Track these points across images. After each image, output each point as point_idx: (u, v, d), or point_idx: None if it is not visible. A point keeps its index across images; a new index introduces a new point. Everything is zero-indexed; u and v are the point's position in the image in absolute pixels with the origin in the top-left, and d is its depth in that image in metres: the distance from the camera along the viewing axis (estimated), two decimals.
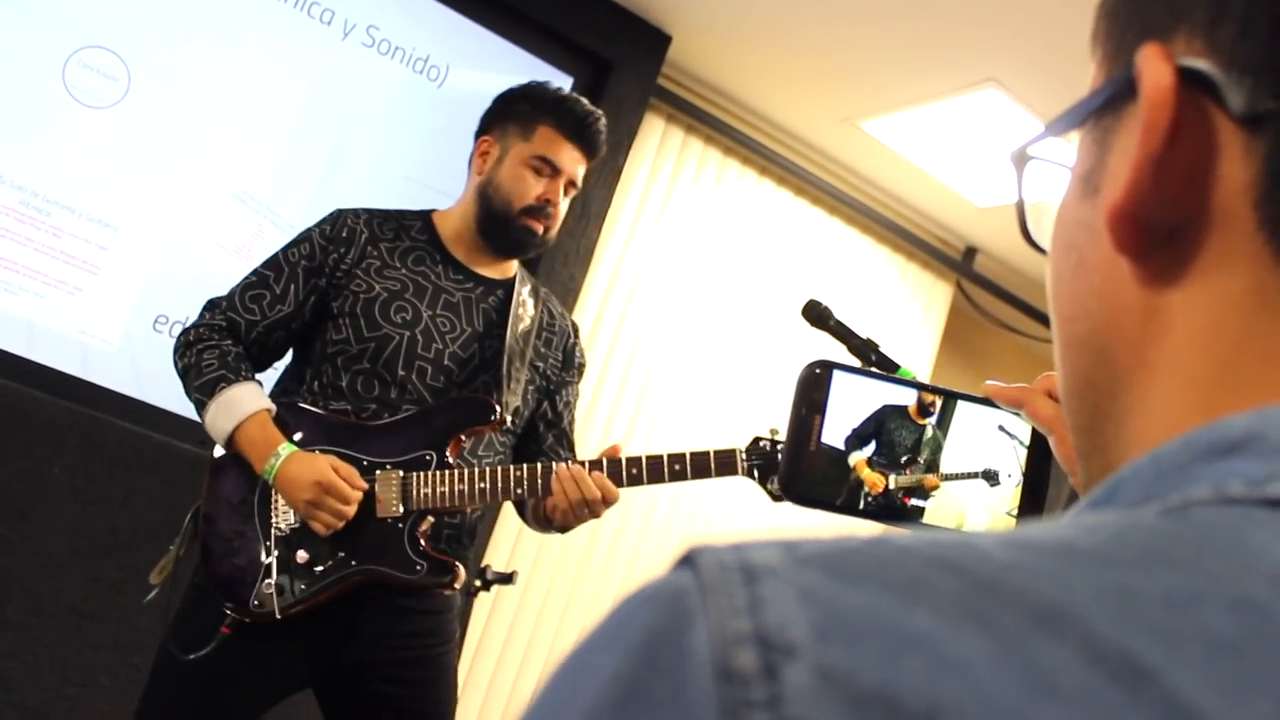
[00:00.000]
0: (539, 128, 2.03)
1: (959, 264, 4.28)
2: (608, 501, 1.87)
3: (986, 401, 0.70)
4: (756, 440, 1.89)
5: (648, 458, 1.88)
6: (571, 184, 2.06)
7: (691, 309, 3.77)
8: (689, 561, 0.28)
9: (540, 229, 2.02)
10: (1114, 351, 0.39)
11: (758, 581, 0.26)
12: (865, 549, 0.27)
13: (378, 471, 1.87)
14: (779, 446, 1.88)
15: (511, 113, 2.06)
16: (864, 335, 1.80)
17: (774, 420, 1.91)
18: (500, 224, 2.02)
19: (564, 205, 2.06)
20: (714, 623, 0.26)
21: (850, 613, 0.25)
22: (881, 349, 1.79)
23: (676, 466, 1.86)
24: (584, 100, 2.07)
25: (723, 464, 1.87)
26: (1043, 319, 4.40)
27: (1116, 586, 0.26)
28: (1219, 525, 0.28)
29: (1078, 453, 0.44)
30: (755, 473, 1.88)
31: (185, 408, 1.94)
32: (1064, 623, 0.25)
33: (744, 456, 1.87)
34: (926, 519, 0.72)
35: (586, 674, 0.27)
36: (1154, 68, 0.35)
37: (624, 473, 1.87)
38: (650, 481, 1.87)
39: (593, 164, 2.10)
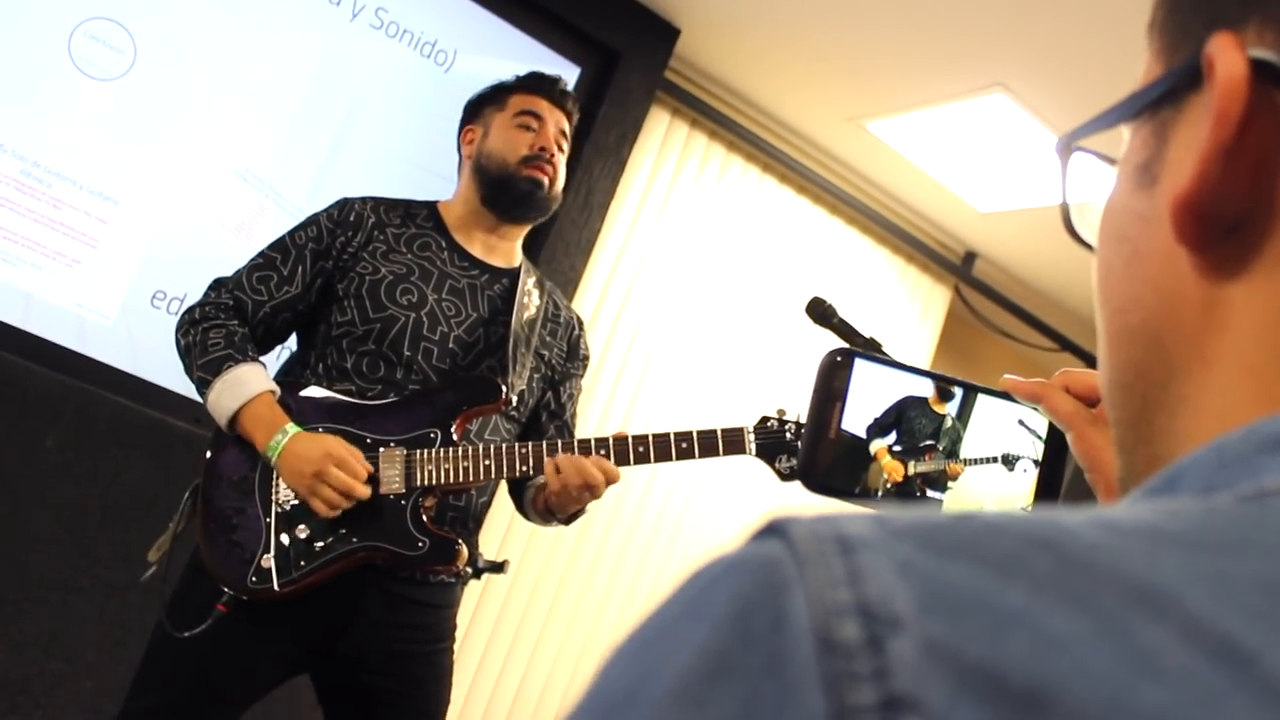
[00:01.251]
0: (510, 97, 2.12)
1: (958, 268, 4.28)
2: (609, 481, 1.85)
3: (1005, 395, 0.70)
4: (764, 419, 1.88)
5: (654, 436, 1.86)
6: (561, 134, 2.11)
7: (690, 303, 3.77)
8: (776, 531, 0.27)
9: (543, 177, 2.05)
10: (1168, 343, 0.38)
11: (855, 553, 0.26)
12: (956, 524, 0.27)
13: (381, 449, 1.86)
14: (786, 426, 1.88)
15: (483, 103, 2.15)
16: (867, 334, 1.80)
17: (771, 414, 1.91)
18: (504, 184, 2.04)
19: (562, 162, 2.11)
20: (813, 593, 0.25)
21: (950, 586, 0.25)
22: (884, 349, 1.79)
23: (684, 445, 1.85)
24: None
25: (730, 443, 1.86)
26: (1039, 327, 4.41)
27: (1209, 570, 0.25)
28: None
29: (1119, 446, 0.43)
30: (763, 452, 1.86)
31: (181, 385, 1.94)
32: (1161, 603, 0.24)
33: (752, 435, 1.86)
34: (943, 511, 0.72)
35: (670, 645, 0.26)
36: (1228, 57, 0.34)
37: (630, 451, 1.86)
38: (657, 460, 1.86)
39: (573, 124, 2.16)
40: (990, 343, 4.75)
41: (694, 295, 3.78)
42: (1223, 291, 0.36)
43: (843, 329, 1.81)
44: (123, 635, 2.66)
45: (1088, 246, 0.46)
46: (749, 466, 1.91)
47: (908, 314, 4.23)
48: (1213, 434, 0.34)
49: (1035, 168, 3.41)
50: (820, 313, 1.82)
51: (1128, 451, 0.42)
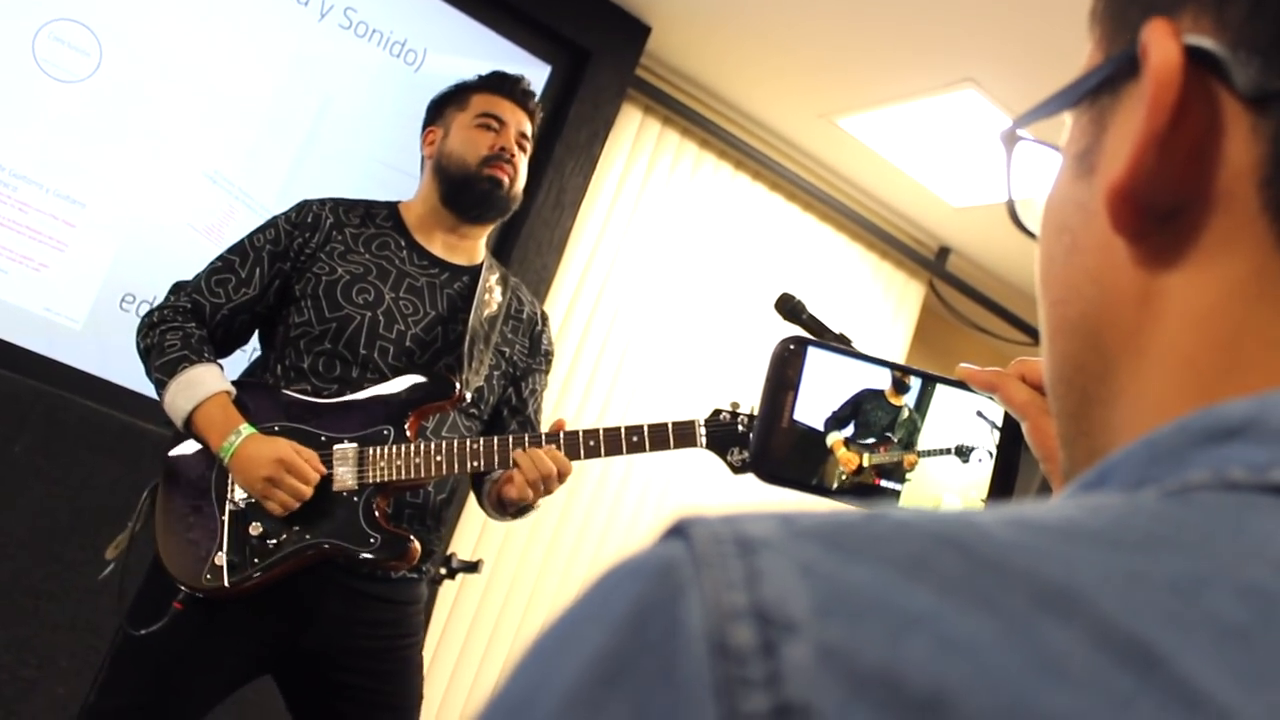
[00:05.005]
0: (472, 97, 2.12)
1: (932, 263, 4.29)
2: (562, 476, 1.86)
3: (961, 385, 0.70)
4: (716, 412, 1.87)
5: (605, 430, 1.86)
6: (522, 136, 2.11)
7: (665, 300, 3.76)
8: (679, 532, 0.27)
9: (503, 177, 2.05)
10: (1106, 335, 0.38)
11: (754, 554, 0.25)
12: (864, 523, 0.26)
13: (335, 447, 1.87)
14: (739, 418, 1.87)
15: (445, 102, 2.15)
16: (837, 331, 1.80)
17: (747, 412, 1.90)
18: (464, 185, 2.04)
19: (523, 163, 2.10)
20: (709, 596, 0.24)
21: (851, 588, 0.24)
22: (854, 345, 1.79)
23: (634, 438, 1.85)
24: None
25: (681, 435, 1.85)
26: (1013, 321, 4.42)
27: (1123, 569, 0.25)
28: (1222, 510, 0.27)
29: (1061, 439, 0.43)
30: (714, 443, 1.85)
31: (150, 388, 1.94)
32: (1071, 604, 0.24)
33: (703, 428, 1.85)
34: (901, 502, 0.72)
35: (569, 648, 0.26)
36: (1161, 44, 0.34)
37: (581, 445, 1.86)
38: (608, 453, 1.86)
39: (535, 125, 2.15)
40: (965, 337, 4.77)
41: (668, 293, 3.77)
42: (1159, 282, 0.35)
43: (812, 325, 1.81)
44: (95, 640, 2.63)
45: (1033, 236, 0.46)
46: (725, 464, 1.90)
47: (882, 309, 4.24)
48: (1148, 426, 0.33)
49: (1022, 159, 3.41)
50: (789, 309, 1.81)
51: (1069, 444, 0.42)
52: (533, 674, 0.26)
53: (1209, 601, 0.24)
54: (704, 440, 1.85)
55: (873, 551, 0.25)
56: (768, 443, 0.68)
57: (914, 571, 0.24)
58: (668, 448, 1.85)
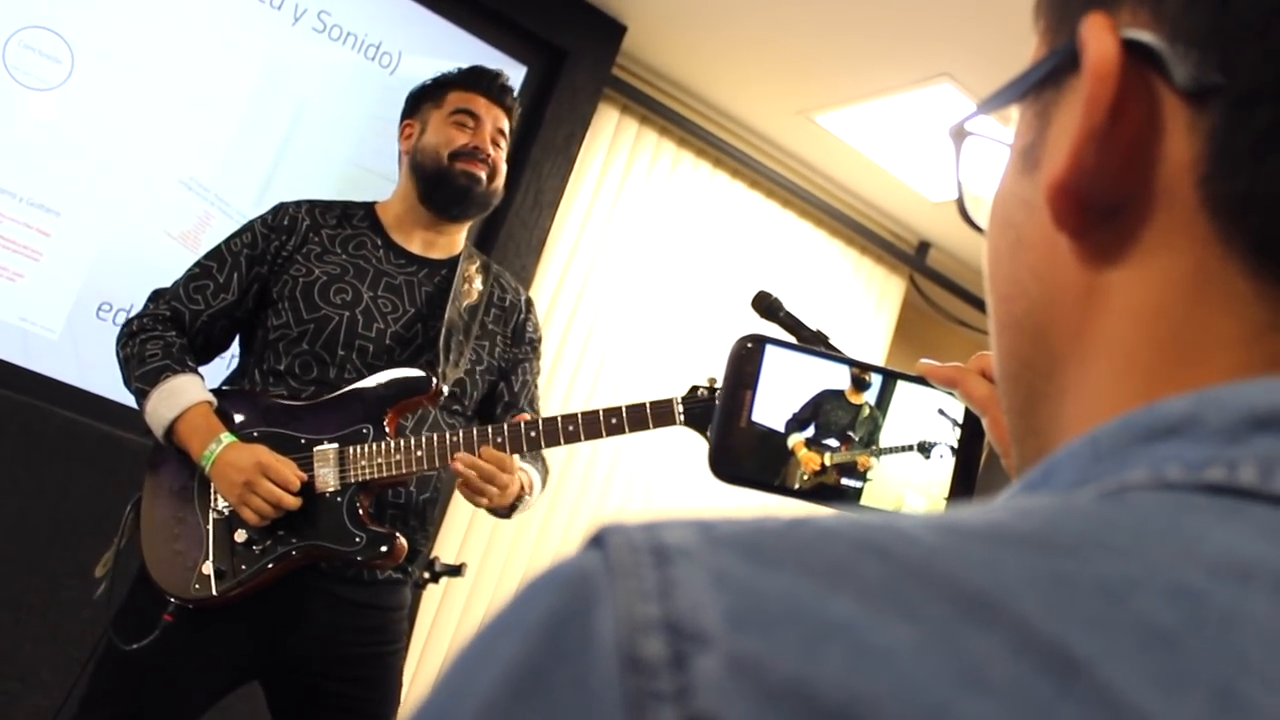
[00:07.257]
0: (449, 94, 2.10)
1: (912, 258, 4.30)
2: (507, 470, 1.81)
3: (921, 380, 0.70)
4: (694, 389, 1.84)
5: (584, 413, 1.83)
6: (499, 133, 2.09)
7: (644, 301, 3.76)
8: (598, 541, 0.27)
9: (480, 172, 2.03)
10: (1051, 332, 0.38)
11: (669, 564, 0.25)
12: (785, 530, 0.26)
13: (315, 448, 1.86)
14: (717, 394, 1.85)
15: (423, 97, 2.14)
16: (814, 327, 1.80)
17: None
18: (439, 180, 2.03)
19: (500, 157, 2.09)
20: (621, 607, 0.24)
21: (767, 599, 0.24)
22: (831, 341, 1.78)
23: (614, 420, 1.81)
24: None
25: (659, 415, 1.82)
26: None
27: (1049, 573, 0.24)
28: (1156, 510, 0.27)
29: (1012, 436, 0.43)
30: (693, 420, 1.81)
31: (129, 397, 1.92)
32: (994, 611, 0.23)
33: (680, 406, 1.82)
34: (864, 501, 0.71)
35: (485, 660, 0.25)
36: (1098, 39, 0.34)
37: (560, 430, 1.83)
38: (588, 437, 1.82)
39: (513, 121, 2.14)
40: (947, 331, 4.78)
41: (648, 293, 3.77)
42: (1102, 279, 0.35)
43: (789, 322, 1.80)
44: (77, 652, 2.62)
45: (982, 232, 0.45)
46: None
47: (863, 305, 4.24)
48: (1093, 424, 0.33)
49: (984, 155, 3.42)
50: (766, 306, 1.81)
51: (1018, 441, 0.42)
52: (452, 685, 0.26)
53: (1137, 604, 0.24)
54: (682, 418, 1.81)
55: (792, 560, 0.25)
56: (726, 442, 0.67)
57: (833, 580, 0.24)
58: (647, 428, 1.82)
